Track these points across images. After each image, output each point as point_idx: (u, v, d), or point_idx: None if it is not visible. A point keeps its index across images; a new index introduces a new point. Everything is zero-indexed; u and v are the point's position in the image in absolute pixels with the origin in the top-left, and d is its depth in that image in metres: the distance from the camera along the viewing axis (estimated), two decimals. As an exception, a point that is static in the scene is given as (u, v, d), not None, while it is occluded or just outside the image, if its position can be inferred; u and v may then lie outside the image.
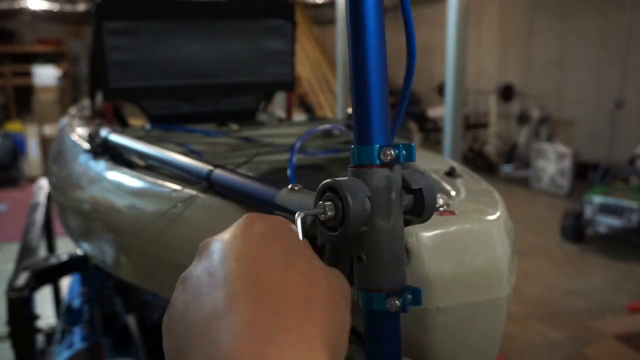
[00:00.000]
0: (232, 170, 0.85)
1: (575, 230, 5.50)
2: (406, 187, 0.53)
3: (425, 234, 0.60)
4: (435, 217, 0.60)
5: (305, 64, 8.28)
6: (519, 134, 8.62)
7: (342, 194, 0.48)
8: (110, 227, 1.12)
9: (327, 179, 0.51)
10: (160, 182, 1.02)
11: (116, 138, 1.32)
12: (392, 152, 0.49)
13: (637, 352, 3.49)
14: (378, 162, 0.49)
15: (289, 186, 0.66)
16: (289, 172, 1.08)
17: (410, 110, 8.90)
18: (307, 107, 8.97)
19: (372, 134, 0.50)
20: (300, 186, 0.65)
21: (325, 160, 1.50)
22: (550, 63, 8.47)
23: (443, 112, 5.62)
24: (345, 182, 0.49)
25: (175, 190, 0.93)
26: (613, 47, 7.47)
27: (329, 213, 0.49)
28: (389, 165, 0.50)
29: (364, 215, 0.49)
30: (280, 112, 2.69)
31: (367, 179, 0.50)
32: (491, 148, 9.02)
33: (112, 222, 1.10)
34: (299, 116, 2.43)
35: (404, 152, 0.49)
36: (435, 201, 0.53)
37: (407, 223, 0.53)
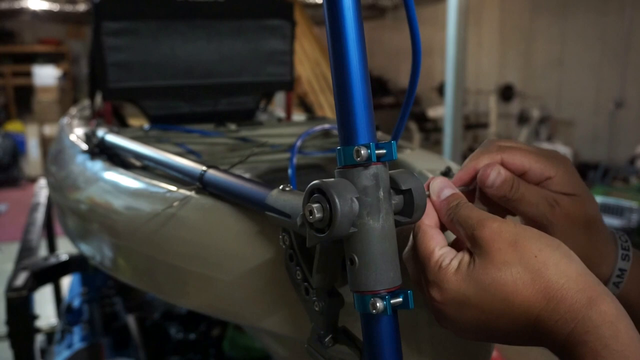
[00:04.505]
0: (225, 171, 0.85)
1: (575, 230, 5.49)
2: (396, 188, 0.52)
3: None
4: None
5: (305, 64, 8.26)
6: (519, 134, 8.61)
7: (329, 195, 0.48)
8: (106, 227, 1.12)
9: (325, 179, 0.51)
10: (155, 182, 1.02)
11: (112, 138, 1.32)
12: (365, 151, 0.48)
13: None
14: (355, 162, 0.49)
15: (280, 187, 0.66)
16: (289, 172, 1.08)
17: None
18: (307, 107, 8.95)
19: (356, 134, 0.50)
20: (291, 187, 0.65)
21: (323, 160, 1.50)
22: (550, 63, 8.46)
23: (443, 112, 5.62)
24: (332, 183, 0.49)
25: (169, 191, 0.93)
26: (613, 48, 7.46)
27: (317, 215, 0.49)
28: (376, 164, 0.49)
29: (352, 216, 0.48)
30: (280, 112, 2.69)
31: (353, 179, 0.50)
32: (491, 148, 8.98)
33: (107, 223, 1.11)
34: (298, 116, 2.43)
35: (378, 151, 0.49)
36: (425, 202, 0.53)
37: (398, 224, 0.53)
